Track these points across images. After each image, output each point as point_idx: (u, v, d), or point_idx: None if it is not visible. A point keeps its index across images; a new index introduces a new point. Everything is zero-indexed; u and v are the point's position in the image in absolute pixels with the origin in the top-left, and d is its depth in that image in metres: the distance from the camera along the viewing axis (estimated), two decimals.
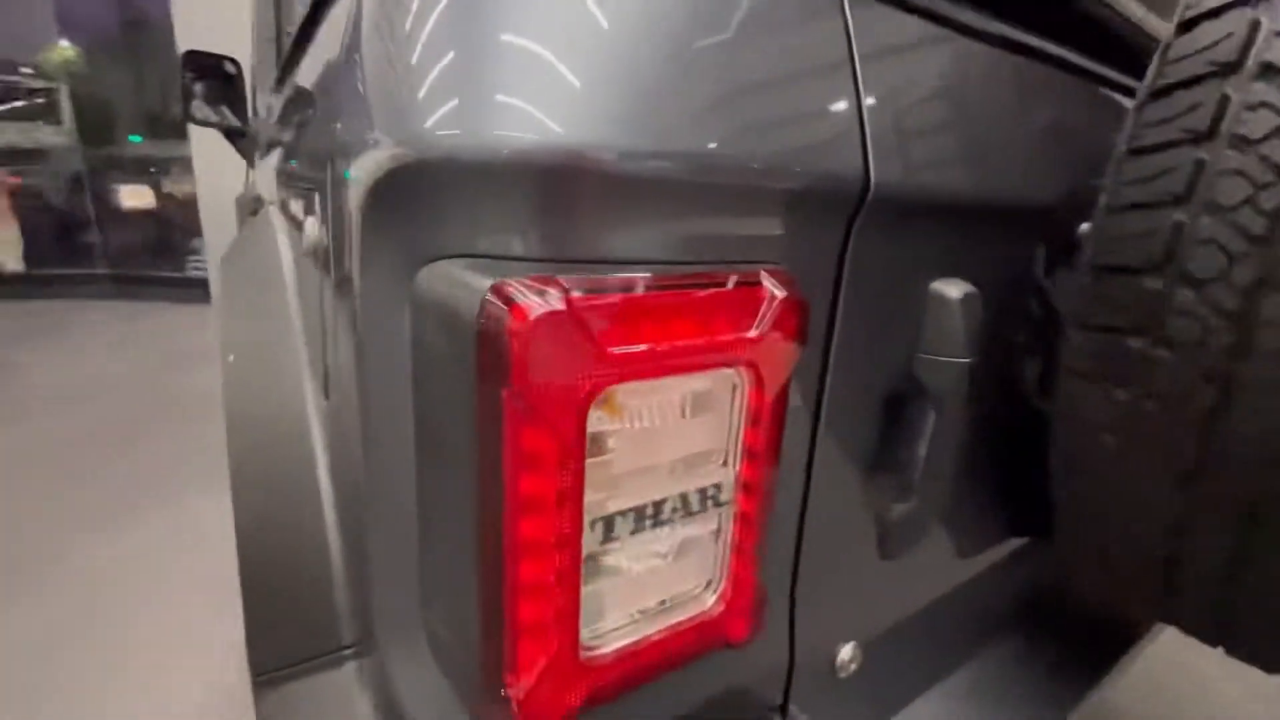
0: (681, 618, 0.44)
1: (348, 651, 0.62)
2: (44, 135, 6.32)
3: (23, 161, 6.01)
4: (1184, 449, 0.55)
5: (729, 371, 0.40)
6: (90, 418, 3.04)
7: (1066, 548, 0.73)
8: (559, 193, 0.36)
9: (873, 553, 0.63)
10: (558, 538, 0.35)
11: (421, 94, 0.36)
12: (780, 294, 0.40)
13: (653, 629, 0.43)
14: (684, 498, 0.41)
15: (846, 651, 0.64)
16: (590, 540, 0.37)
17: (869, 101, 0.46)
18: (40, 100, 6.55)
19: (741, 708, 0.58)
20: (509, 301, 0.31)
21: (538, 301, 0.31)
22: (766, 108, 0.41)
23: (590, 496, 0.37)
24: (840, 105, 0.45)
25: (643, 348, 0.35)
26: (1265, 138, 0.50)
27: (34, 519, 2.23)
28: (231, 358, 0.78)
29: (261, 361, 0.77)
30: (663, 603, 0.44)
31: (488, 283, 0.32)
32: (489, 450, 0.34)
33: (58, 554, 2.04)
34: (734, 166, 0.40)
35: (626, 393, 0.37)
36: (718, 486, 0.43)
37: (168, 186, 6.42)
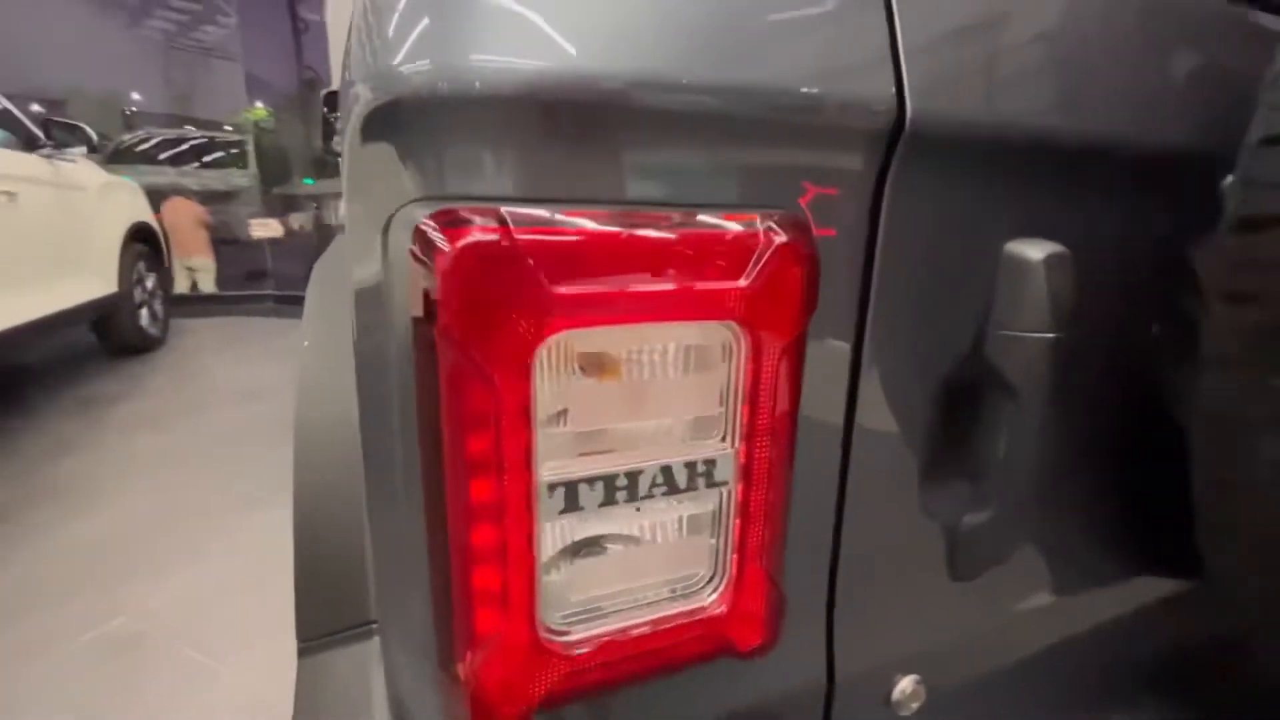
0: (672, 612, 0.39)
1: (373, 626, 0.62)
2: (234, 179, 7.48)
3: (219, 202, 7.13)
4: None
5: (716, 327, 0.35)
6: (257, 412, 3.49)
7: (1225, 592, 0.58)
8: (529, 126, 0.33)
9: (939, 572, 0.53)
10: (502, 499, 0.32)
11: (390, 36, 0.35)
12: (780, 239, 0.35)
13: (636, 621, 0.38)
14: (667, 471, 0.36)
15: (905, 685, 0.53)
16: (548, 508, 0.33)
17: (902, 7, 0.39)
18: (234, 151, 7.79)
19: None
20: (440, 231, 0.29)
21: (468, 232, 0.29)
22: (761, 17, 0.35)
23: (546, 458, 0.33)
24: (863, 13, 0.38)
25: (600, 289, 0.31)
26: None
27: (209, 494, 2.58)
28: (306, 343, 0.84)
29: (327, 354, 0.81)
30: (648, 592, 0.39)
31: (425, 214, 0.30)
32: (426, 400, 0.31)
33: (228, 526, 2.34)
34: (725, 93, 0.34)
35: (587, 342, 0.33)
36: (710, 463, 0.37)
37: (326, 218, 7.32)
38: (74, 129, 3.72)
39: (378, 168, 0.36)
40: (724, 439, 0.38)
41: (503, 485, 0.31)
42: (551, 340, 0.31)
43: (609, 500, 0.35)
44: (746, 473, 0.38)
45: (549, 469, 0.33)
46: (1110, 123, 0.47)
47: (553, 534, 0.34)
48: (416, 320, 0.30)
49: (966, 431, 0.50)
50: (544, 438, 0.33)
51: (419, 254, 0.29)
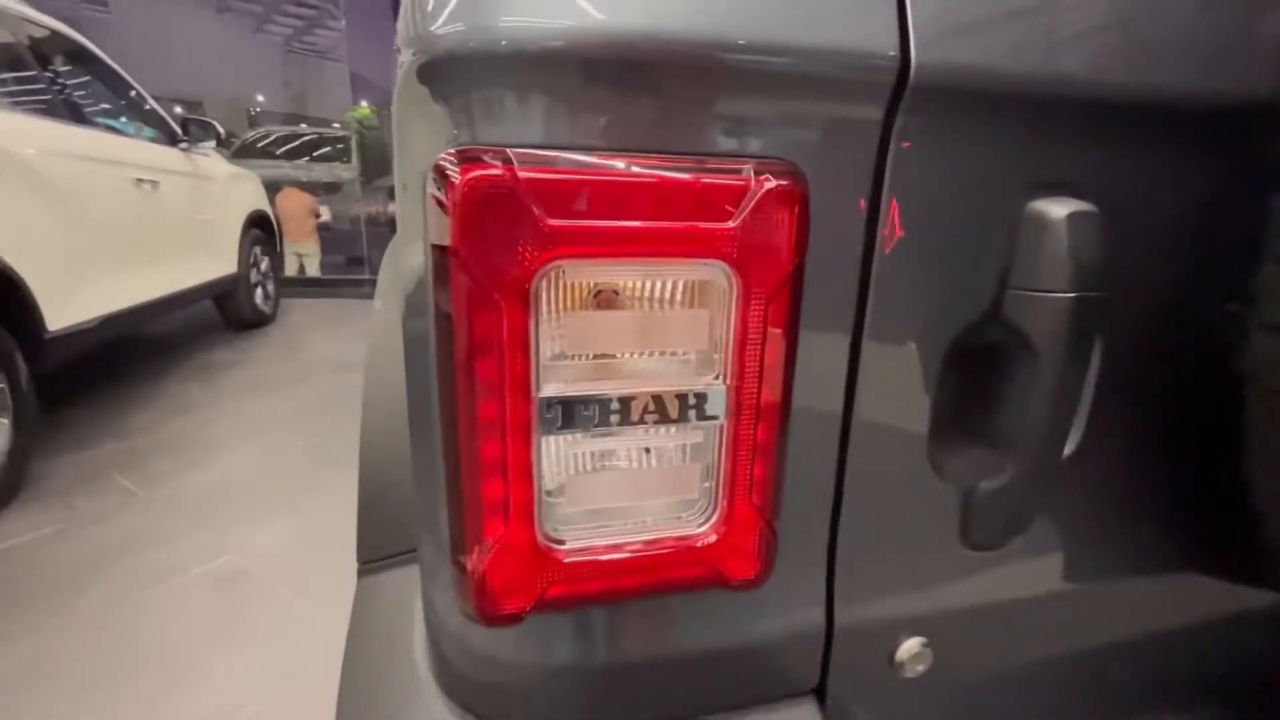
0: (664, 535, 0.42)
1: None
2: (339, 172, 8.09)
3: (325, 194, 7.74)
4: None
5: (707, 267, 0.38)
6: (351, 383, 3.82)
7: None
8: (548, 81, 0.37)
9: (952, 536, 0.53)
10: (504, 413, 0.36)
11: (430, 6, 0.40)
12: (770, 185, 0.37)
13: (630, 540, 0.41)
14: (659, 400, 0.39)
15: (911, 646, 0.54)
16: (546, 423, 0.37)
17: None
18: (339, 146, 8.42)
19: (766, 676, 0.52)
20: (454, 167, 0.33)
21: (477, 167, 0.33)
22: None
23: (544, 379, 0.37)
24: None
25: (594, 225, 0.34)
26: None
27: (306, 454, 2.85)
28: (377, 305, 0.92)
29: (393, 315, 0.89)
30: (641, 514, 0.42)
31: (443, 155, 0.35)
32: (442, 324, 0.36)
33: (321, 483, 2.58)
34: (728, 47, 0.37)
35: (585, 274, 0.36)
36: (700, 397, 0.40)
37: None
38: (207, 126, 4.17)
39: (419, 124, 0.41)
40: (717, 376, 0.40)
41: (505, 400, 0.36)
42: (549, 268, 0.35)
43: (603, 422, 0.38)
44: (738, 409, 0.40)
45: (547, 388, 0.37)
46: (1141, 71, 0.45)
47: (551, 448, 0.38)
48: (434, 248, 0.35)
49: (985, 392, 0.50)
50: (543, 359, 0.36)
51: (437, 188, 0.34)
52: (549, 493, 0.40)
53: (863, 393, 0.47)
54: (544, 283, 0.36)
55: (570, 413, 0.37)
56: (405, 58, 0.41)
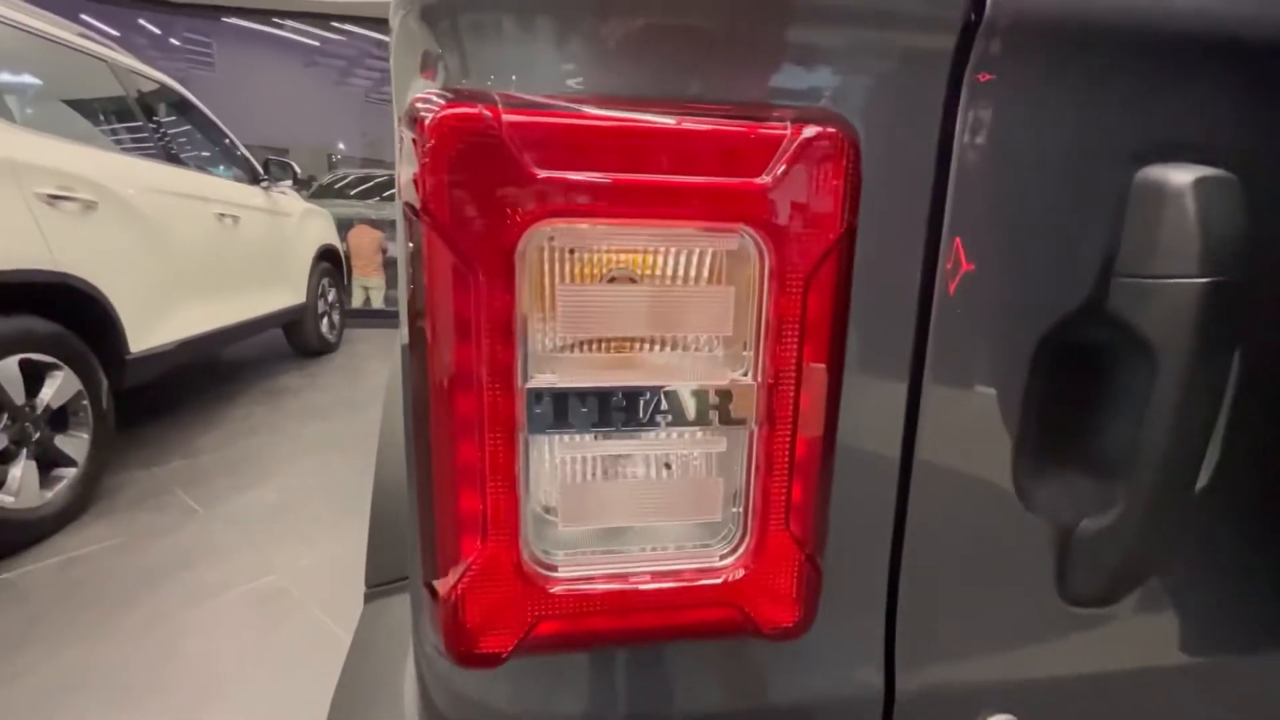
0: (682, 566, 0.34)
1: None
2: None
3: (393, 230, 8.16)
4: None
5: (731, 233, 0.31)
6: None
7: None
8: (535, 27, 0.32)
9: (1047, 586, 0.43)
10: (482, 404, 0.30)
11: None
12: (810, 134, 0.30)
13: (640, 569, 0.34)
14: (673, 398, 0.32)
15: None
16: (534, 419, 0.31)
17: None
18: None
19: None
20: (428, 109, 0.28)
21: (453, 107, 0.28)
22: None
23: (532, 363, 0.31)
24: None
25: (592, 179, 0.28)
26: None
27: (361, 477, 2.88)
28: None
29: None
30: (654, 536, 0.34)
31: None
32: (414, 294, 0.30)
33: (367, 507, 2.58)
34: None
35: (582, 239, 0.30)
36: (724, 395, 0.32)
37: None
38: (285, 165, 4.46)
39: (411, 74, 0.37)
40: (746, 371, 0.33)
41: (482, 390, 0.30)
42: (537, 231, 0.29)
43: (605, 422, 0.31)
44: (771, 413, 0.33)
45: (536, 378, 0.31)
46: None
47: (541, 451, 0.32)
48: (405, 208, 0.30)
49: (1089, 406, 0.40)
50: (532, 343, 0.30)
51: (411, 134, 0.29)
52: (541, 507, 0.33)
53: (930, 401, 0.38)
54: (533, 248, 0.30)
55: (563, 408, 0.31)
56: (397, 8, 0.37)
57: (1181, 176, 0.36)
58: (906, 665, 0.42)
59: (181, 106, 3.83)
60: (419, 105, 0.28)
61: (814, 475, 0.34)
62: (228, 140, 4.17)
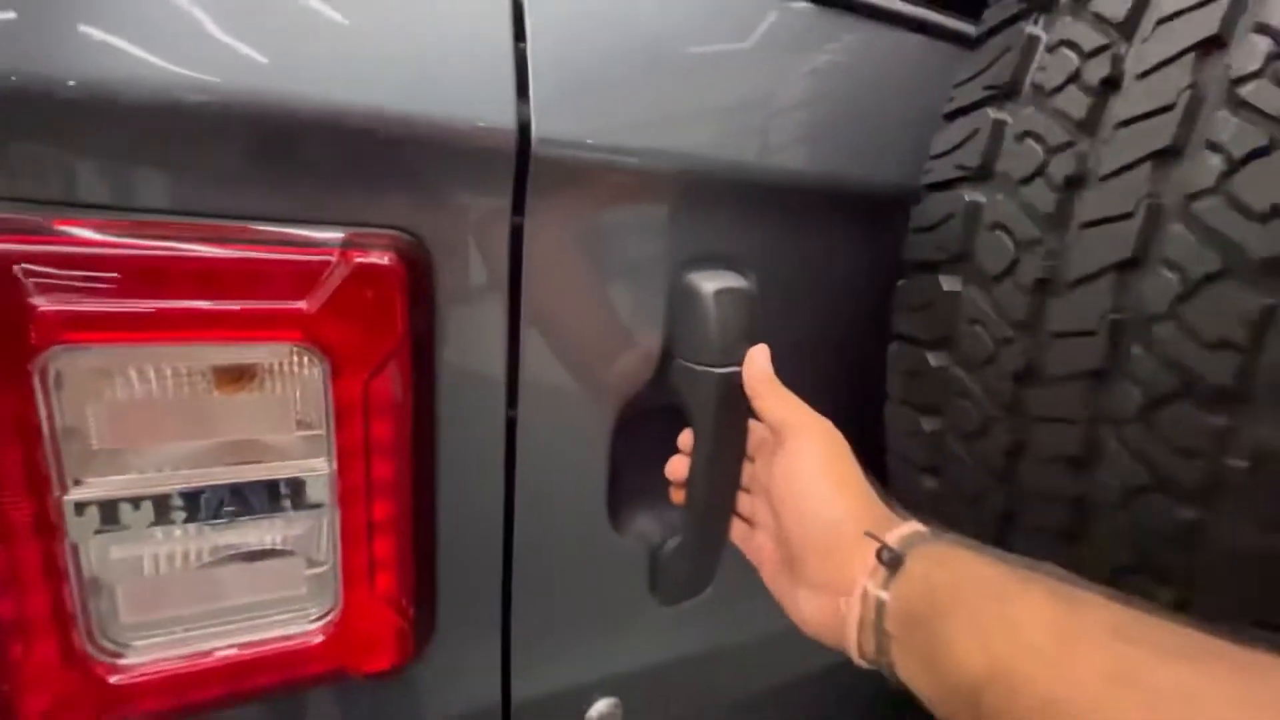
0: (267, 636, 0.39)
1: None
2: None
3: None
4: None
5: (284, 346, 0.35)
6: None
7: None
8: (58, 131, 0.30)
9: (641, 592, 0.54)
10: (16, 516, 0.32)
11: None
12: (365, 260, 0.35)
13: (223, 645, 0.37)
14: (239, 491, 0.36)
15: (602, 707, 0.54)
16: (79, 528, 0.33)
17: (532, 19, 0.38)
18: None
19: None
20: None
21: None
22: (347, 26, 0.34)
23: (74, 475, 0.33)
24: (481, 21, 0.37)
25: (109, 308, 0.31)
26: None
27: None
28: None
29: None
30: (236, 614, 0.38)
31: None
32: None
33: None
34: (316, 110, 0.33)
35: (111, 358, 0.32)
36: (297, 484, 0.37)
37: None
38: None
39: None
40: (322, 460, 0.38)
41: (14, 502, 0.31)
42: (59, 354, 0.31)
43: (163, 520, 0.34)
44: (348, 495, 0.38)
45: (78, 488, 0.33)
46: (794, 155, 0.48)
47: (91, 554, 0.34)
48: None
49: (665, 454, 0.50)
50: (68, 454, 0.33)
51: None
52: (103, 603, 0.35)
53: (524, 460, 0.46)
54: (64, 366, 0.32)
55: (112, 511, 0.33)
56: None
57: (707, 284, 0.46)
58: (522, 674, 0.50)
59: None
60: None
61: (399, 538, 0.40)
62: None
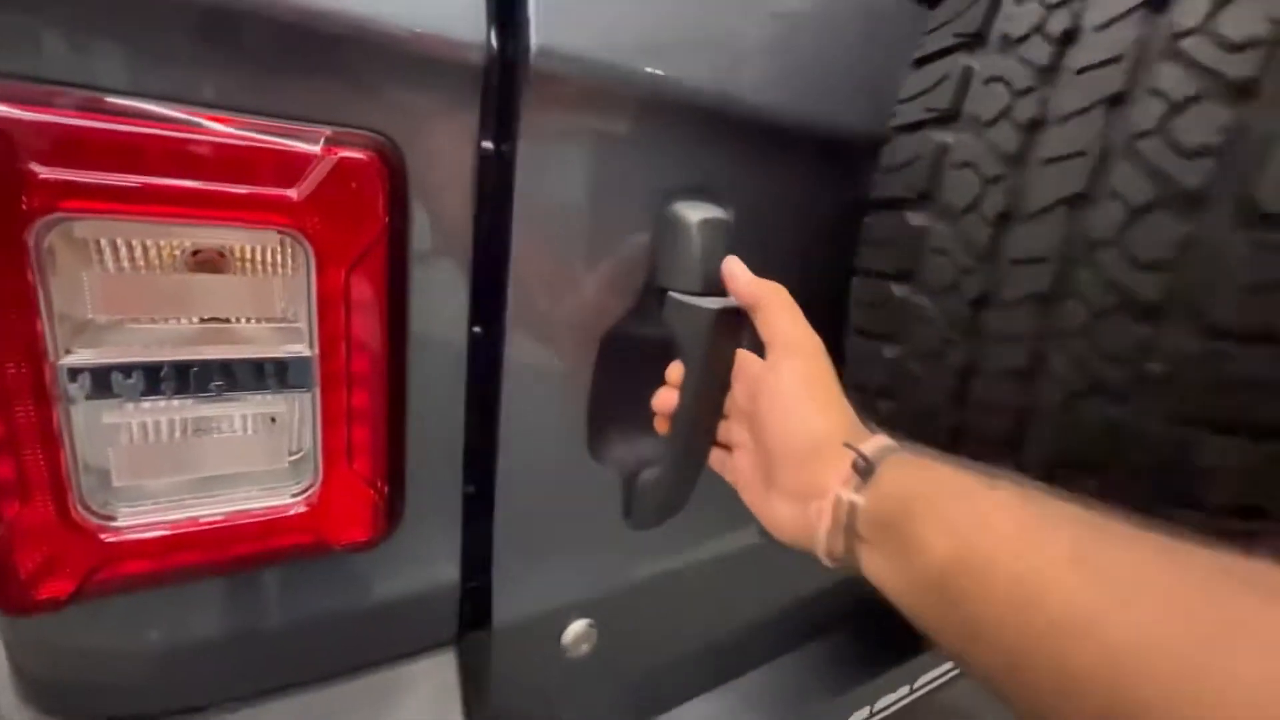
0: (250, 507, 0.39)
1: None
2: None
3: None
4: None
5: (271, 232, 0.36)
6: None
7: None
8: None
9: (616, 518, 0.56)
10: (12, 378, 0.32)
11: None
12: (349, 155, 0.36)
13: (209, 513, 0.38)
14: (227, 368, 0.36)
15: (578, 628, 0.56)
16: (73, 392, 0.33)
17: None
18: None
19: (402, 632, 0.51)
20: None
21: None
22: None
23: (65, 343, 0.33)
24: None
25: (108, 181, 0.31)
26: None
27: None
28: None
29: None
30: (222, 485, 0.39)
31: None
32: None
33: None
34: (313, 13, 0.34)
35: (104, 230, 0.33)
36: (281, 365, 0.38)
37: None
38: None
39: None
40: (305, 344, 0.38)
41: (9, 366, 0.31)
42: (55, 222, 0.31)
43: (153, 390, 0.35)
44: (330, 378, 0.39)
45: (70, 355, 0.33)
46: (759, 88, 0.49)
47: (81, 418, 0.34)
48: None
49: (646, 385, 0.52)
50: (61, 319, 0.33)
51: None
52: (95, 466, 0.36)
53: (511, 378, 0.47)
54: (58, 237, 0.32)
55: (103, 379, 0.34)
56: None
57: (690, 214, 0.48)
58: (501, 597, 0.52)
59: None
60: None
61: (374, 424, 0.41)
62: None
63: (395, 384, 0.42)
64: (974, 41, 0.44)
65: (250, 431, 0.39)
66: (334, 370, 0.39)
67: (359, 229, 0.37)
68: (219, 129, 0.33)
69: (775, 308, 0.44)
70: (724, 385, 0.49)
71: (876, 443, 0.38)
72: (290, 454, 0.40)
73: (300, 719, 0.48)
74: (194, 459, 0.38)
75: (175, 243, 0.35)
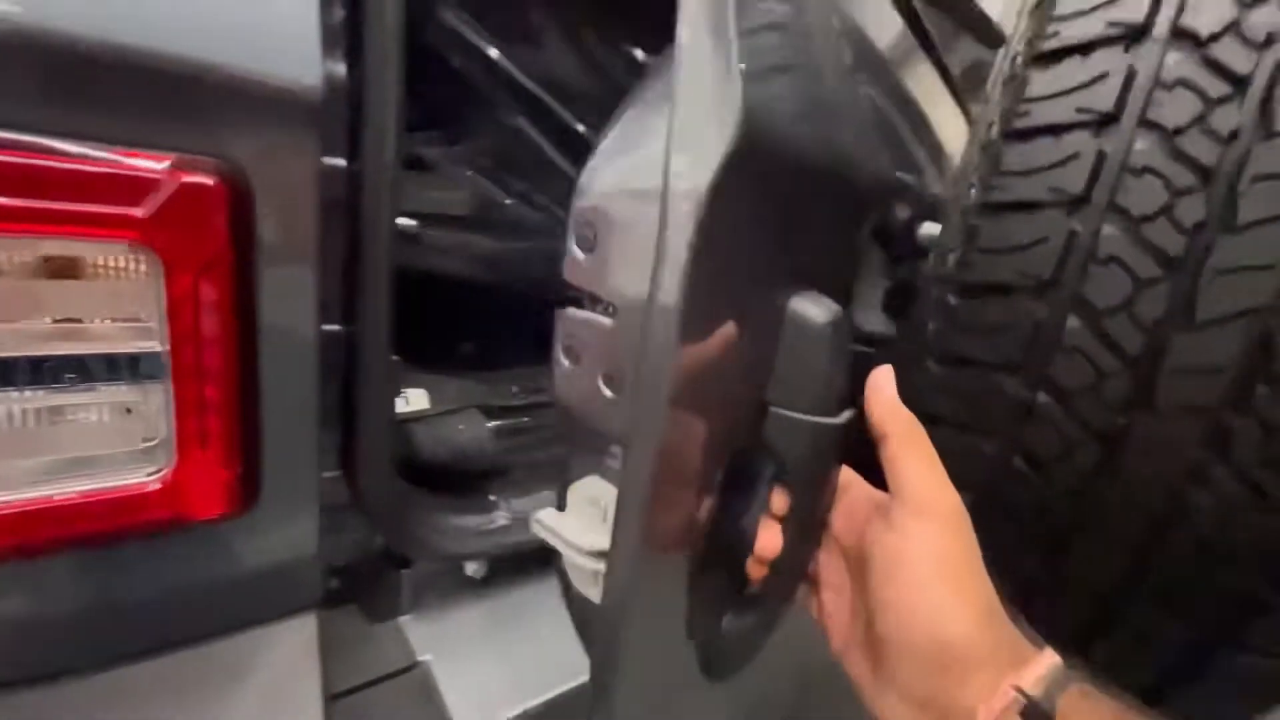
0: (109, 485, 0.46)
1: None
2: None
3: None
4: None
5: (121, 245, 0.42)
6: None
7: None
8: None
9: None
10: None
11: None
12: (191, 179, 0.43)
13: (63, 490, 0.45)
14: (79, 361, 0.43)
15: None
16: None
17: None
18: None
19: (264, 597, 0.59)
20: None
21: None
22: None
23: None
24: None
25: None
26: None
27: None
28: None
29: None
30: (75, 466, 0.45)
31: None
32: None
33: None
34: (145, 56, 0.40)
35: None
36: (133, 359, 0.45)
37: None
38: None
39: None
40: (154, 340, 0.45)
41: None
42: None
43: (7, 382, 0.41)
44: (180, 370, 0.46)
45: None
46: None
47: None
48: None
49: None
50: None
51: None
52: None
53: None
54: None
55: None
56: None
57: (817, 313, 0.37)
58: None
59: None
60: None
61: (227, 412, 0.49)
62: None
63: (247, 376, 0.49)
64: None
65: (105, 419, 0.45)
66: (185, 364, 0.46)
67: (203, 240, 0.44)
68: (74, 153, 0.40)
69: (910, 446, 0.35)
70: (828, 510, 0.41)
71: (1040, 670, 0.30)
72: (145, 439, 0.47)
73: (170, 679, 0.55)
74: (49, 444, 0.44)
75: (29, 252, 0.40)
